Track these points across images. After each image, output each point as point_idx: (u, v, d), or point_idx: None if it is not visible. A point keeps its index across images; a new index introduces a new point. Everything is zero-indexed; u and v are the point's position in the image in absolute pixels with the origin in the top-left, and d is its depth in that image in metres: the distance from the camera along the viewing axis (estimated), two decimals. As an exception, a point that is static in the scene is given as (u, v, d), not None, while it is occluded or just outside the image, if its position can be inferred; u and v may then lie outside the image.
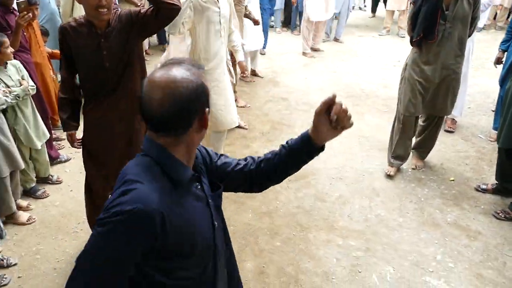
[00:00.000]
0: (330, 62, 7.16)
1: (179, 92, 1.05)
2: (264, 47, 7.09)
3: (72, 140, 2.63)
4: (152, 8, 2.27)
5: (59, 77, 4.73)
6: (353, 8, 9.75)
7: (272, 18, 8.83)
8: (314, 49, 7.58)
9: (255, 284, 2.72)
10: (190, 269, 1.19)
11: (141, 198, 1.03)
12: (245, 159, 1.43)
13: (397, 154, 3.83)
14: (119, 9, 2.58)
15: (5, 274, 2.72)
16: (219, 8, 3.18)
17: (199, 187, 1.24)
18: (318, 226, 3.24)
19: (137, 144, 2.48)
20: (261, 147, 4.37)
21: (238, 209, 3.43)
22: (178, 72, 1.08)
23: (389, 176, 3.82)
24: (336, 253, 2.97)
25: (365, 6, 11.55)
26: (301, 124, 4.88)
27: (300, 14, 8.09)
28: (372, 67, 6.83)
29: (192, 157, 1.19)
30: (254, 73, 6.29)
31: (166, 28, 2.83)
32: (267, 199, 3.55)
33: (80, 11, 4.75)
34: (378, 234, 3.15)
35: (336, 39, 8.36)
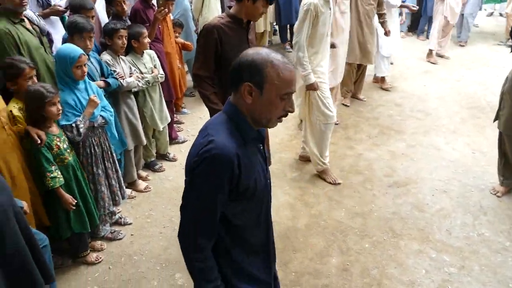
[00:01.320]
0: (454, 70, 6.71)
1: (245, 59, 1.35)
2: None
3: None
4: None
5: (185, 67, 5.27)
6: (485, 10, 8.98)
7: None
8: (439, 55, 7.17)
9: (337, 279, 2.76)
10: (250, 212, 1.48)
11: (224, 145, 1.32)
12: None
13: (504, 174, 3.53)
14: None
15: (121, 230, 3.18)
16: (330, 9, 3.31)
17: (261, 147, 1.52)
18: (411, 235, 3.14)
19: None
20: (366, 149, 4.33)
21: (332, 206, 3.48)
22: (255, 50, 1.37)
23: (496, 196, 3.53)
24: (426, 265, 2.86)
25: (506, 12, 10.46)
26: (411, 131, 4.71)
27: (430, 19, 7.73)
28: (503, 79, 6.22)
29: (255, 120, 1.42)
30: (376, 81, 6.12)
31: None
32: (363, 200, 3.54)
33: (209, 8, 5.22)
34: (478, 254, 2.95)
35: (460, 44, 7.80)
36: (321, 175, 3.84)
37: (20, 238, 1.79)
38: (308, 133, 3.78)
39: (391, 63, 6.30)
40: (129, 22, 3.76)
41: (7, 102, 2.54)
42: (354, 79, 5.32)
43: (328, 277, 2.78)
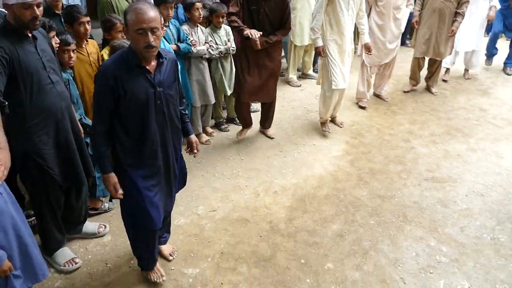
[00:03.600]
0: None
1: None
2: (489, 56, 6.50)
3: None
4: None
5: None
6: None
7: None
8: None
9: (328, 241, 3.06)
10: (133, 119, 2.14)
11: (105, 68, 2.04)
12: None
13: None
14: None
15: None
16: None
17: (149, 77, 2.10)
18: (420, 223, 3.24)
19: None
20: (421, 145, 4.36)
21: (358, 185, 3.70)
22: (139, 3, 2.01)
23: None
24: (419, 250, 2.97)
25: None
26: (480, 136, 4.54)
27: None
28: None
29: (143, 57, 2.05)
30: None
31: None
32: (391, 186, 3.68)
33: None
34: (480, 254, 2.94)
35: None
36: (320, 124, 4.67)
37: (71, 136, 2.56)
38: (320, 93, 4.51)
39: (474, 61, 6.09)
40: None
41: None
42: (426, 74, 5.62)
43: (321, 238, 3.09)
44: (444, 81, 6.04)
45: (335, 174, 3.88)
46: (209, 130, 4.56)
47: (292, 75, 5.99)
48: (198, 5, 3.89)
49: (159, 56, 2.13)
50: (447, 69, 6.06)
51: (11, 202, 1.93)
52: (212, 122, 4.66)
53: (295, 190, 3.65)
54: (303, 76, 6.28)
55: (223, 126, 4.68)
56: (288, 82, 6.04)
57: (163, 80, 2.15)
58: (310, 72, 6.26)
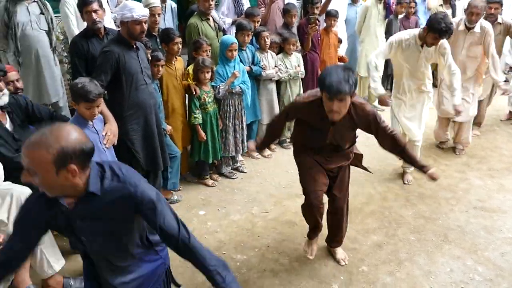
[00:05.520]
0: None
1: None
2: None
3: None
4: None
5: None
6: None
7: None
8: None
9: (366, 249, 3.30)
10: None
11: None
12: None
13: None
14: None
15: (236, 174, 4.41)
16: (420, 52, 3.81)
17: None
18: (460, 245, 3.36)
19: None
20: (476, 177, 4.43)
21: (405, 205, 3.90)
22: None
23: None
24: (454, 266, 3.11)
25: None
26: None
27: None
28: None
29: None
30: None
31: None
32: (437, 210, 3.83)
33: (368, 31, 5.96)
34: (517, 277, 3.01)
35: None
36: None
37: (155, 128, 3.16)
38: None
39: None
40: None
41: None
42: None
43: (360, 245, 3.35)
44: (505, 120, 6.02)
45: (384, 194, 4.11)
46: (272, 146, 5.02)
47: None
48: (264, 34, 4.46)
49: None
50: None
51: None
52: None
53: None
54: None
55: (285, 144, 5.11)
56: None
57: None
58: (376, 103, 6.52)
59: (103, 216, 1.60)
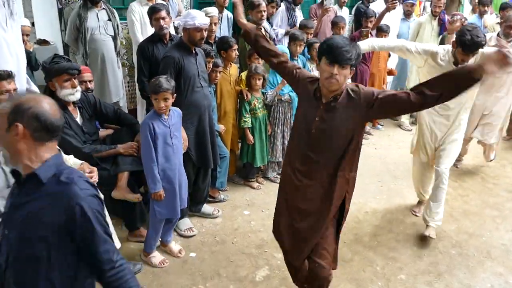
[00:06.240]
0: None
1: None
2: None
3: None
4: None
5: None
6: None
7: None
8: None
9: (405, 258, 3.34)
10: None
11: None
12: None
13: None
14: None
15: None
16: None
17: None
18: (504, 263, 3.33)
19: None
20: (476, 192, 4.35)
21: (448, 220, 3.87)
22: None
23: None
24: (495, 283, 3.10)
25: None
26: None
27: None
28: None
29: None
30: None
31: None
32: (481, 227, 3.80)
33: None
34: (561, 299, 2.96)
35: None
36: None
37: (208, 128, 3.39)
38: None
39: None
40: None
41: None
42: None
43: (400, 254, 3.40)
44: None
45: (427, 207, 4.12)
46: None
47: (405, 119, 6.30)
48: (316, 45, 4.59)
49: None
50: None
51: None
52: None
53: (385, 213, 4.00)
54: (415, 122, 6.51)
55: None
56: (399, 126, 6.35)
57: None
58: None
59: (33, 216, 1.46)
